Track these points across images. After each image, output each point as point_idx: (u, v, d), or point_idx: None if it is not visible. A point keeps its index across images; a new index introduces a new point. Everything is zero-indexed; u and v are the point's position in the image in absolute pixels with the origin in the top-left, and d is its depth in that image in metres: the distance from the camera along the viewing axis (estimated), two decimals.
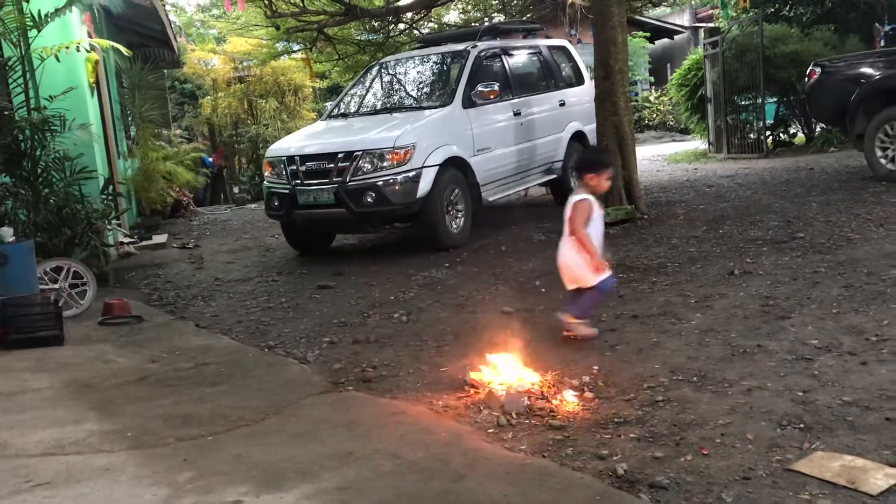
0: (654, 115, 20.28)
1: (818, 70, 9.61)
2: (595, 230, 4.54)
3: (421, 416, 3.63)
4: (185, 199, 13.58)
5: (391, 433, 3.35)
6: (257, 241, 9.77)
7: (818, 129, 13.16)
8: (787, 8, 14.61)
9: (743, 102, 13.49)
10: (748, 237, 6.80)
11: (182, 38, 19.43)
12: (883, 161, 8.68)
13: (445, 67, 9.10)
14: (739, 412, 3.37)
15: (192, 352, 5.04)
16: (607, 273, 4.55)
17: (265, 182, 8.34)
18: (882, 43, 13.03)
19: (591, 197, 4.55)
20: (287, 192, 7.81)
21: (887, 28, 13.47)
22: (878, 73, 8.93)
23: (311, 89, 18.95)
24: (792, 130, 14.18)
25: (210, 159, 17.27)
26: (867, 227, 6.60)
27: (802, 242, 6.35)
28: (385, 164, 7.41)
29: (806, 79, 10.09)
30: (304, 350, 4.96)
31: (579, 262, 4.53)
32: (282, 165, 7.91)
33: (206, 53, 19.11)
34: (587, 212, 4.48)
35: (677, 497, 2.70)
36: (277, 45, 16.10)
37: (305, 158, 7.76)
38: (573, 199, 4.57)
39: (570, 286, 4.65)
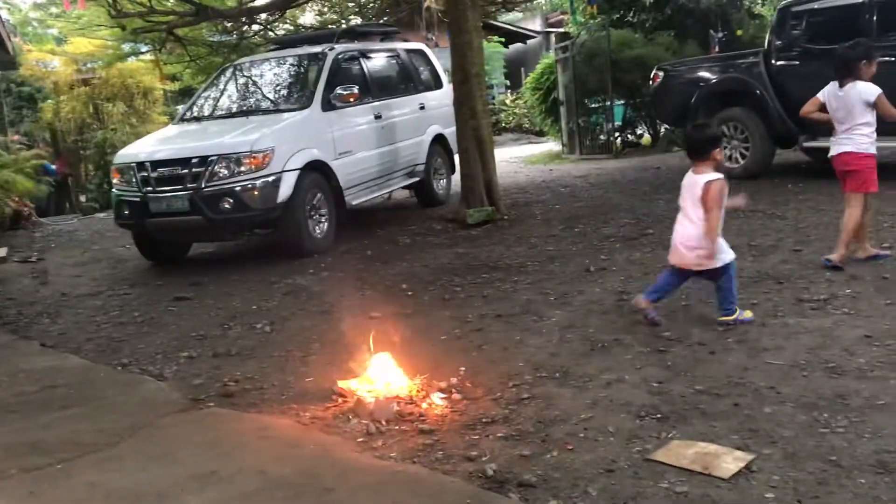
0: (511, 118, 20.77)
1: (661, 74, 10.14)
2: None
3: (287, 429, 3.53)
4: (25, 209, 12.67)
5: (257, 449, 3.24)
6: (107, 253, 9.25)
7: (663, 129, 13.88)
8: (632, 14, 15.33)
9: (593, 105, 14.04)
10: (602, 235, 7.07)
11: (17, 38, 18.16)
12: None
13: (303, 70, 8.96)
14: (601, 405, 3.48)
15: (37, 374, 4.70)
16: (730, 251, 4.41)
17: (114, 190, 7.91)
18: (717, 49, 13.93)
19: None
20: (138, 199, 7.45)
21: (721, 35, 14.42)
22: (714, 77, 9.53)
23: (161, 92, 18.17)
24: (639, 132, 14.89)
25: (53, 167, 16.20)
26: None
27: (652, 238, 6.66)
28: (243, 168, 7.19)
29: (650, 82, 10.62)
30: (161, 366, 4.73)
31: (699, 240, 4.32)
32: (131, 172, 7.52)
33: (44, 54, 17.92)
34: (726, 191, 4.31)
35: (545, 494, 2.76)
36: (124, 46, 15.31)
37: (157, 164, 7.42)
38: (705, 177, 4.28)
39: (695, 268, 4.40)
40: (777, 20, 9.09)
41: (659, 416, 3.31)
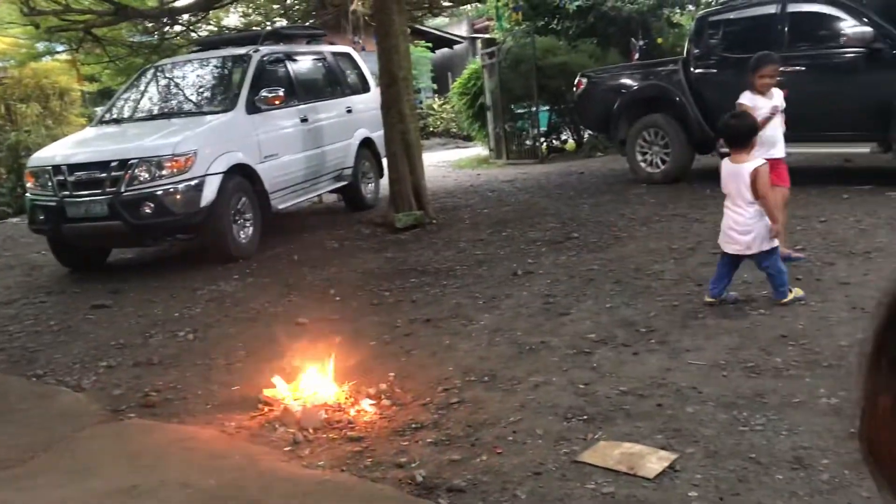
0: (439, 123, 20.83)
1: (585, 80, 10.32)
2: None
3: (212, 440, 3.45)
4: None
5: (180, 461, 3.16)
6: (21, 259, 8.89)
7: (586, 135, 14.12)
8: (556, 22, 15.55)
9: (519, 111, 14.19)
10: (529, 239, 7.15)
11: None
12: (643, 165, 9.47)
13: (227, 72, 8.79)
14: (528, 408, 3.51)
15: None
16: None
17: (28, 194, 7.61)
18: (638, 56, 14.26)
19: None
20: (54, 204, 7.18)
21: (641, 43, 14.77)
22: (635, 84, 9.75)
23: (79, 93, 17.58)
24: (564, 137, 15.11)
25: None
26: (632, 225, 7.16)
27: (577, 242, 6.77)
28: (164, 172, 7.01)
29: (574, 88, 10.80)
30: (79, 377, 4.56)
31: (760, 226, 4.46)
32: (47, 175, 7.25)
33: None
34: (769, 175, 4.51)
35: (474, 499, 2.76)
36: (38, 45, 14.78)
37: (74, 168, 7.16)
38: (750, 165, 4.44)
39: (745, 252, 4.54)
40: (695, 29, 9.36)
41: (585, 417, 3.36)
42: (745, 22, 8.80)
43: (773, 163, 5.08)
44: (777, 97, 5.45)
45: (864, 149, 7.82)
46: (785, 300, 4.56)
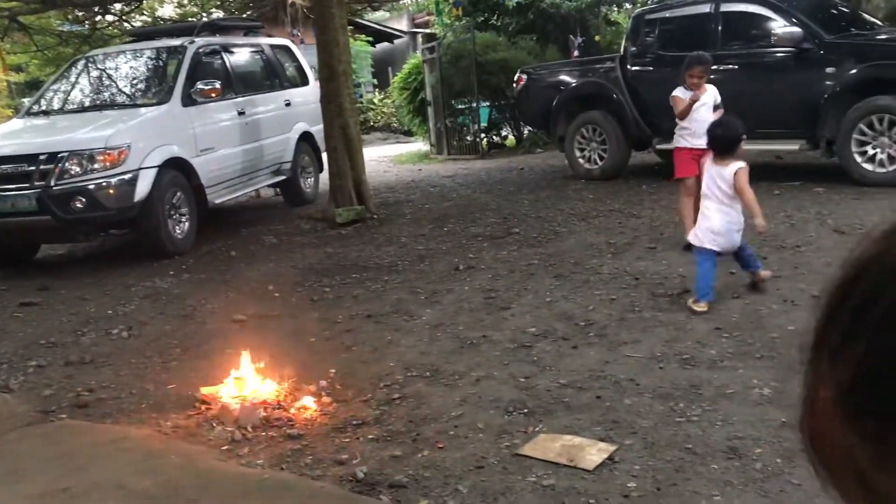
0: (379, 118, 20.73)
1: (524, 77, 10.39)
2: None
3: (147, 439, 3.37)
4: None
5: (114, 462, 3.07)
6: None
7: (526, 131, 14.23)
8: (496, 18, 15.62)
9: (460, 106, 14.21)
10: (470, 234, 7.17)
11: None
12: (581, 161, 9.58)
13: (161, 63, 8.59)
14: (470, 402, 3.52)
15: None
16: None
17: None
18: (577, 53, 14.42)
19: None
20: None
21: (579, 40, 14.95)
22: (574, 81, 9.85)
23: (5, 83, 16.98)
24: (504, 133, 15.20)
25: None
26: (571, 221, 7.25)
27: (518, 237, 6.82)
28: (96, 165, 6.81)
29: (514, 85, 10.86)
30: (6, 377, 4.40)
31: (741, 222, 4.62)
32: None
33: None
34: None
35: (416, 494, 2.76)
36: None
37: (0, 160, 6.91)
38: (733, 167, 4.58)
39: (732, 250, 4.68)
40: (631, 27, 9.51)
41: (526, 410, 3.38)
42: (680, 21, 8.98)
43: (703, 152, 5.25)
44: (710, 94, 5.68)
45: (793, 146, 8.07)
46: (763, 273, 4.75)
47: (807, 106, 7.64)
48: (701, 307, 4.53)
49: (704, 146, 5.46)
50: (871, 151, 7.29)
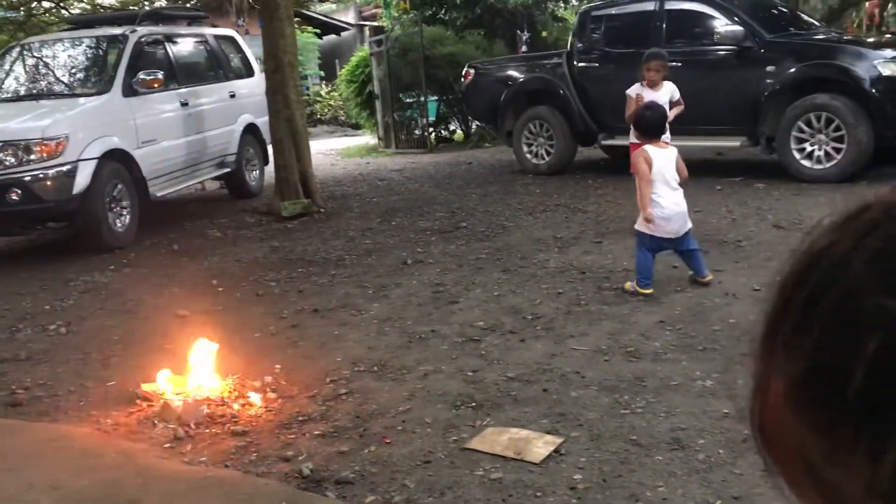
0: (326, 110, 20.54)
1: (472, 71, 10.41)
2: None
3: (86, 438, 3.28)
4: None
5: (50, 462, 2.98)
6: None
7: (474, 126, 14.26)
8: (443, 12, 15.61)
9: (408, 100, 14.17)
10: (418, 228, 7.15)
11: None
12: (529, 156, 9.64)
13: (101, 52, 8.37)
14: (418, 397, 3.51)
15: None
16: None
17: None
18: (524, 49, 14.50)
19: None
20: None
21: (527, 36, 15.03)
22: (521, 76, 9.90)
23: None
24: (452, 127, 15.21)
25: None
26: (519, 215, 7.28)
27: (466, 231, 6.83)
28: (33, 157, 6.61)
29: (462, 79, 10.87)
30: None
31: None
32: None
33: None
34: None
35: (363, 490, 2.74)
36: None
37: None
38: (673, 149, 4.75)
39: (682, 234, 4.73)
40: (578, 24, 9.59)
41: (474, 404, 3.39)
42: (626, 18, 9.09)
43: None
44: (666, 90, 5.83)
45: (735, 142, 8.24)
46: (705, 277, 4.79)
47: (748, 103, 7.80)
48: (644, 290, 4.64)
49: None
50: (809, 148, 7.49)
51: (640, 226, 4.74)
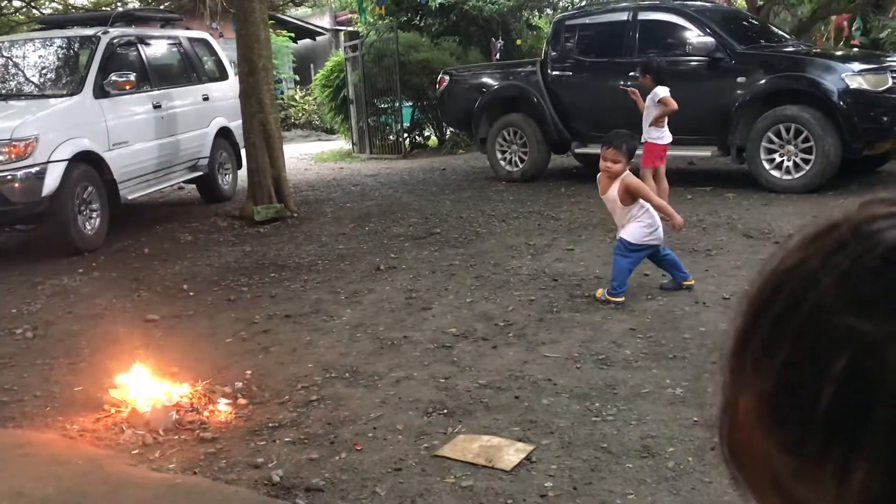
0: (301, 114, 20.46)
1: (447, 78, 10.43)
2: None
3: (52, 444, 3.23)
4: None
5: (14, 469, 2.93)
6: None
7: (449, 132, 14.29)
8: (419, 18, 15.63)
9: (382, 105, 14.16)
10: (392, 234, 7.15)
11: None
12: (503, 163, 9.67)
13: (73, 53, 8.27)
14: (390, 404, 3.50)
15: None
16: None
17: None
18: (498, 56, 14.56)
19: None
20: None
21: (501, 43, 15.10)
22: (496, 84, 9.94)
23: None
24: (426, 133, 15.22)
25: None
26: (492, 222, 7.30)
27: (439, 237, 6.83)
28: (1, 157, 6.52)
29: (437, 85, 10.89)
30: None
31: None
32: None
33: None
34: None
35: (333, 497, 2.72)
36: None
37: None
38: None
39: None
40: (552, 32, 9.65)
41: (445, 411, 3.39)
42: (599, 27, 9.17)
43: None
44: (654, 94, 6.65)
45: (706, 152, 8.33)
46: (689, 281, 4.88)
47: (719, 113, 7.90)
48: (616, 299, 4.67)
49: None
50: (778, 159, 7.59)
51: (630, 237, 4.73)
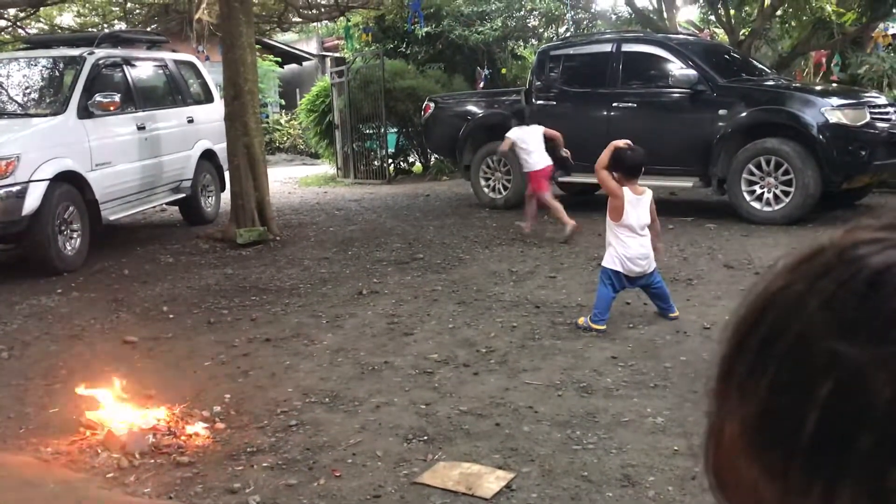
0: (286, 139, 20.48)
1: (432, 105, 10.50)
2: None
3: (25, 466, 3.18)
4: None
5: None
6: None
7: (433, 158, 14.34)
8: (405, 46, 15.75)
9: (367, 131, 14.22)
10: (375, 258, 7.14)
11: None
12: (486, 190, 9.72)
13: (58, 73, 8.25)
14: (369, 430, 3.48)
15: None
16: None
17: None
18: (482, 84, 14.69)
19: None
20: None
21: (486, 72, 15.24)
22: (481, 111, 10.02)
23: None
24: (411, 159, 15.28)
25: None
26: (475, 248, 7.32)
27: (422, 263, 6.83)
28: None
29: (422, 112, 10.95)
30: None
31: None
32: None
33: None
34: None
35: None
36: None
37: None
38: (649, 193, 4.83)
39: (648, 271, 4.80)
40: (537, 62, 9.75)
41: (426, 437, 3.36)
42: (583, 58, 9.28)
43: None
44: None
45: (687, 183, 8.41)
46: (673, 314, 4.88)
47: (700, 145, 7.99)
48: (598, 326, 4.67)
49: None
50: (758, 191, 7.68)
51: (608, 263, 4.77)
